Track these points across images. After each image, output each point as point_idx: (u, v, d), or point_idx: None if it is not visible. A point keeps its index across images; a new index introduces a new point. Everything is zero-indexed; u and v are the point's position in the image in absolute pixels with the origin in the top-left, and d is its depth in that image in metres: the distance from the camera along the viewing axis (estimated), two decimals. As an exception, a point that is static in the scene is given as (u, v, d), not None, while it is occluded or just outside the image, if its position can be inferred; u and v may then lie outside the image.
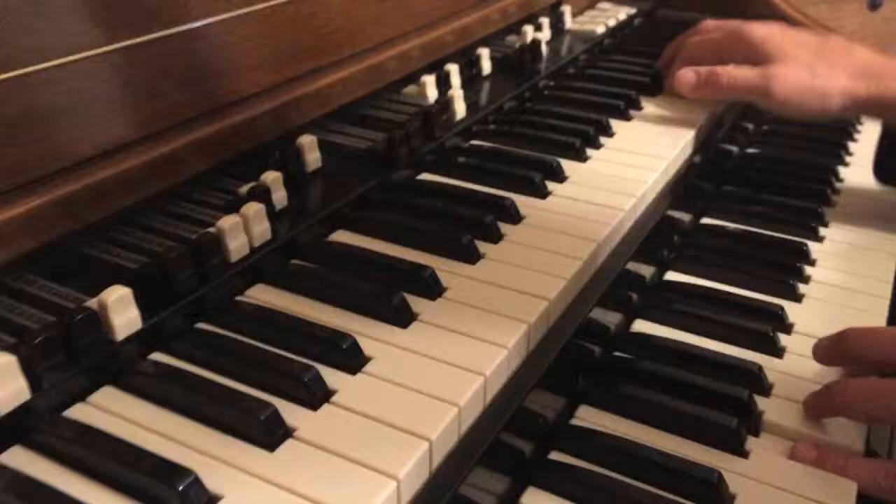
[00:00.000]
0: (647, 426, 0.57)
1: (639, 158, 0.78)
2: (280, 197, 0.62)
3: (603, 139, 0.82)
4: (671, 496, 0.51)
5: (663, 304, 0.70)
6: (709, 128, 0.90)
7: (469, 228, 0.63)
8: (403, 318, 0.53)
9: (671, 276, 0.75)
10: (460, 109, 0.81)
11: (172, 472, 0.39)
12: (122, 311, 0.47)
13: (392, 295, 0.53)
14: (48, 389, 0.43)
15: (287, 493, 0.40)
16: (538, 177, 0.72)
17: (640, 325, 0.68)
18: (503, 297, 0.56)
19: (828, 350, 0.60)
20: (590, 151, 0.79)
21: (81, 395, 0.45)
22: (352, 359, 0.48)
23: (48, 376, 0.44)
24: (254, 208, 0.56)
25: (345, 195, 0.65)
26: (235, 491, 0.40)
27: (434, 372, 0.49)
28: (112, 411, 0.44)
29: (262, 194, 0.59)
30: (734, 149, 1.01)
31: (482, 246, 0.62)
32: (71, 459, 0.41)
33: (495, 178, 0.72)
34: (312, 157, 0.68)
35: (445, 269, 0.59)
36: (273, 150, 0.66)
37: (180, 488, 0.38)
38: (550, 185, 0.72)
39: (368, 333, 0.51)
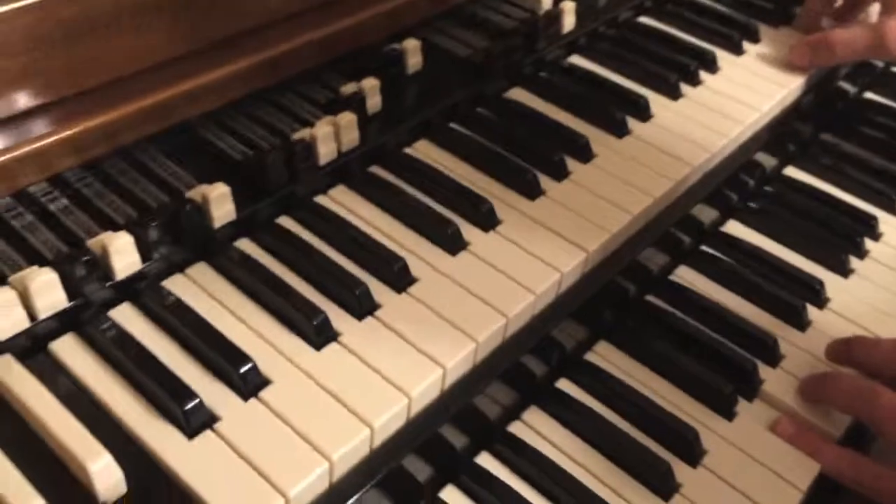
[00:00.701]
0: (655, 374, 0.64)
1: (745, 93, 0.80)
2: (375, 103, 0.68)
3: (704, 75, 0.83)
4: (652, 443, 0.59)
5: (710, 256, 0.74)
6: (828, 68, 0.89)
7: (539, 161, 0.69)
8: (455, 246, 0.60)
9: (731, 226, 0.79)
10: (569, 22, 0.83)
11: (238, 356, 0.50)
12: (221, 205, 0.56)
13: (448, 225, 0.61)
14: (156, 261, 0.54)
15: (320, 390, 0.50)
16: (619, 115, 0.75)
17: (682, 273, 0.73)
18: (564, 228, 0.63)
19: (836, 351, 0.65)
20: (686, 88, 0.81)
21: (180, 268, 0.56)
22: (399, 280, 0.57)
23: (157, 250, 0.54)
24: (347, 118, 0.64)
25: (436, 104, 0.71)
26: (282, 379, 0.50)
27: (466, 305, 0.57)
28: (200, 285, 0.55)
29: (358, 101, 0.66)
30: (851, 89, 0.99)
31: (547, 182, 0.68)
32: (163, 323, 0.52)
33: (581, 107, 0.76)
34: (414, 60, 0.73)
35: (507, 200, 0.65)
36: (379, 50, 0.72)
37: (241, 371, 0.49)
38: (633, 123, 0.76)
39: (420, 254, 0.60)
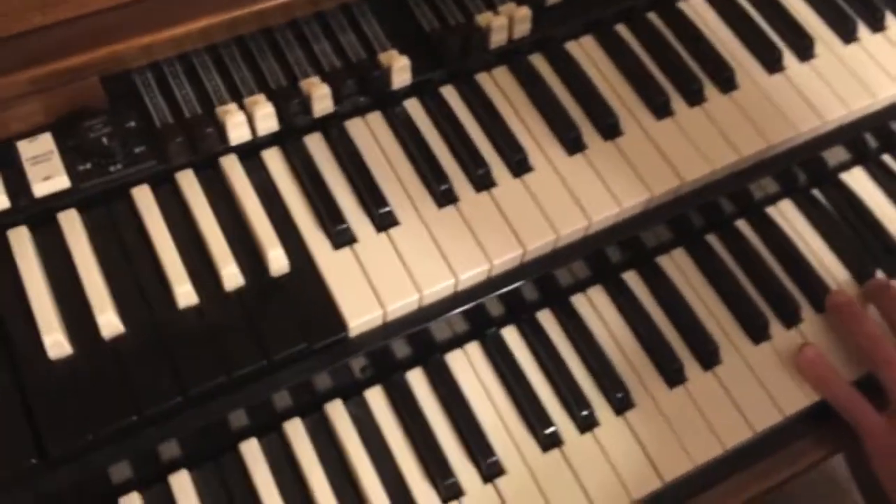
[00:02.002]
0: (711, 287, 0.77)
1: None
2: (556, -6, 0.79)
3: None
4: (680, 341, 0.74)
5: (815, 200, 0.82)
6: None
7: (680, 83, 0.78)
8: (574, 147, 0.74)
9: (850, 175, 0.85)
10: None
11: (380, 198, 0.69)
12: (401, 73, 0.72)
13: (571, 129, 0.74)
14: (344, 105, 0.72)
15: (431, 240, 0.68)
16: (777, 50, 0.80)
17: (783, 207, 0.82)
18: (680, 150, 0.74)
19: (872, 288, 0.75)
20: (864, 32, 0.84)
21: (361, 113, 0.74)
22: (518, 167, 0.72)
23: (347, 97, 0.72)
24: (522, 13, 0.75)
25: (610, 4, 0.80)
26: (407, 223, 0.69)
27: (562, 199, 0.71)
28: (372, 130, 0.73)
29: (539, -5, 0.77)
30: None
31: (678, 103, 0.77)
32: (337, 157, 0.71)
33: (747, 31, 0.82)
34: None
35: (636, 115, 0.76)
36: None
37: (380, 211, 0.68)
38: (789, 59, 0.81)
39: (544, 146, 0.74)
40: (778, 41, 0.81)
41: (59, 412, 0.59)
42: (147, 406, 0.60)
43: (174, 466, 0.65)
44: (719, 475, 0.71)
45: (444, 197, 0.70)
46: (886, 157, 0.86)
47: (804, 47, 0.81)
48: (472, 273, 0.68)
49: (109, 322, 0.61)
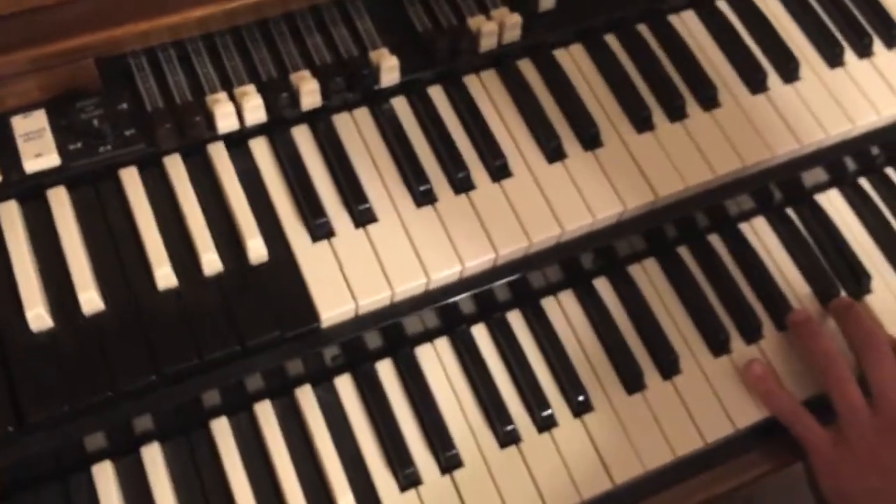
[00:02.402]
0: (678, 297, 0.80)
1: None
2: (549, 3, 0.80)
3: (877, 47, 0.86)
4: (643, 349, 0.77)
5: (789, 220, 0.84)
6: None
7: (662, 99, 0.80)
8: (554, 155, 0.76)
9: (825, 196, 0.87)
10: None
11: (360, 195, 0.71)
12: (390, 72, 0.74)
13: (552, 138, 0.75)
14: (332, 100, 0.74)
15: (406, 239, 0.71)
16: (761, 72, 0.82)
17: (756, 224, 0.84)
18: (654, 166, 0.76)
19: (836, 306, 0.77)
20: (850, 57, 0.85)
21: (348, 108, 0.76)
22: (498, 172, 0.74)
23: (333, 95, 0.74)
24: (513, 20, 0.77)
25: (600, 13, 0.82)
26: (386, 220, 0.71)
27: (538, 206, 0.73)
28: (357, 125, 0.75)
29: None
30: None
31: (659, 118, 0.79)
32: (323, 150, 0.74)
33: (733, 50, 0.83)
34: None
35: (619, 128, 0.78)
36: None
37: (359, 207, 0.70)
38: (773, 80, 0.82)
39: (524, 152, 0.76)
40: (764, 61, 0.83)
41: (38, 383, 0.62)
42: (122, 382, 0.63)
43: (146, 438, 0.68)
44: (668, 481, 0.73)
45: (424, 197, 0.72)
46: (863, 181, 0.88)
47: (789, 69, 0.83)
48: (444, 273, 0.70)
49: (91, 299, 0.64)
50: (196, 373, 0.65)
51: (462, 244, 0.71)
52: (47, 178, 0.68)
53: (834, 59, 0.84)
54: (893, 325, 0.80)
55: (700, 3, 0.85)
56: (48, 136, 0.68)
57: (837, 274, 0.82)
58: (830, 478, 0.73)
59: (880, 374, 0.73)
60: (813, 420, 0.74)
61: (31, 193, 0.68)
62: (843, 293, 0.81)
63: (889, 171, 0.89)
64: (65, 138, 0.68)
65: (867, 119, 0.82)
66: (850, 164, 0.87)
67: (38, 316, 0.63)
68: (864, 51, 0.85)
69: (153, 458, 0.67)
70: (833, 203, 0.87)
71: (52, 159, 0.67)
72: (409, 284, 0.69)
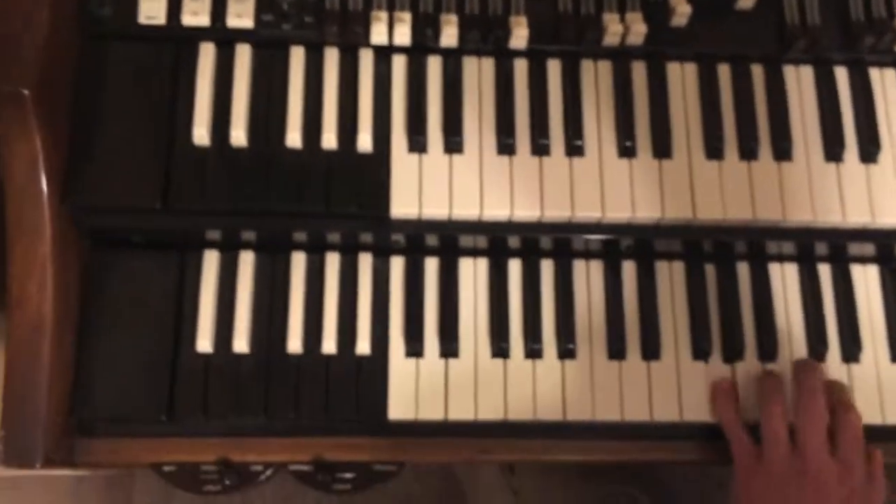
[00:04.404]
0: (687, 300, 0.93)
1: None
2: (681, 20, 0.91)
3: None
4: (636, 329, 0.92)
5: (815, 276, 0.94)
6: None
7: (741, 135, 0.90)
8: (625, 152, 0.89)
9: (862, 268, 0.95)
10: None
11: (456, 127, 0.88)
12: (518, 38, 0.89)
13: (629, 138, 0.89)
14: (466, 44, 0.90)
15: (477, 178, 0.88)
16: (840, 144, 0.91)
17: (787, 269, 0.95)
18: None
19: (796, 366, 0.89)
20: None
21: (478, 55, 0.92)
22: (572, 149, 0.89)
23: (469, 41, 0.90)
24: (638, 28, 0.89)
25: (725, 46, 0.92)
26: (469, 154, 0.88)
27: (591, 188, 0.88)
28: (480, 72, 0.91)
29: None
30: None
31: (731, 150, 0.90)
32: (446, 84, 0.91)
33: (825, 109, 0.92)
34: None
35: (691, 147, 0.90)
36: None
37: (453, 138, 0.88)
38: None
39: (602, 143, 0.90)
40: (850, 135, 0.91)
41: (184, 179, 0.86)
42: (239, 202, 0.86)
43: (247, 247, 0.91)
44: (608, 434, 0.90)
45: (505, 147, 0.89)
46: (903, 268, 0.96)
47: (870, 150, 0.90)
48: (496, 213, 0.87)
49: (238, 136, 0.86)
50: (291, 215, 0.87)
51: (519, 195, 0.87)
52: (240, 35, 0.89)
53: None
54: (867, 397, 0.91)
55: (820, 63, 0.93)
56: (251, 3, 0.88)
57: (839, 335, 0.93)
58: (744, 489, 0.88)
59: (806, 426, 0.85)
60: (747, 437, 0.88)
61: (224, 42, 0.89)
62: (828, 355, 0.92)
63: (937, 269, 0.96)
64: (261, 9, 0.88)
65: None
66: (899, 250, 0.95)
67: (201, 135, 0.86)
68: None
69: (246, 260, 0.90)
70: (867, 276, 0.95)
71: (247, 22, 0.88)
72: (466, 212, 0.87)
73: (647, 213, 0.88)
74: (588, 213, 0.88)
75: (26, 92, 0.76)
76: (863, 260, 0.96)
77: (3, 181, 0.79)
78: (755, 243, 0.93)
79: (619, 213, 0.88)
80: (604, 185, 0.88)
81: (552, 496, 1.26)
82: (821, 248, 0.94)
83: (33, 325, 0.79)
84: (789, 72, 0.93)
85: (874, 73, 0.94)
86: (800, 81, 0.93)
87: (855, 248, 0.95)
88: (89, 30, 0.87)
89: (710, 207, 0.88)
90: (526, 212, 0.87)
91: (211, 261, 0.90)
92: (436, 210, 0.87)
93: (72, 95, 0.85)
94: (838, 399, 0.88)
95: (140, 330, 0.87)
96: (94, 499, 1.30)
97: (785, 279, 0.95)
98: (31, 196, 0.78)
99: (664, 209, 0.88)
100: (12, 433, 0.79)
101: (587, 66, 0.92)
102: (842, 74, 0.93)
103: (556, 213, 0.88)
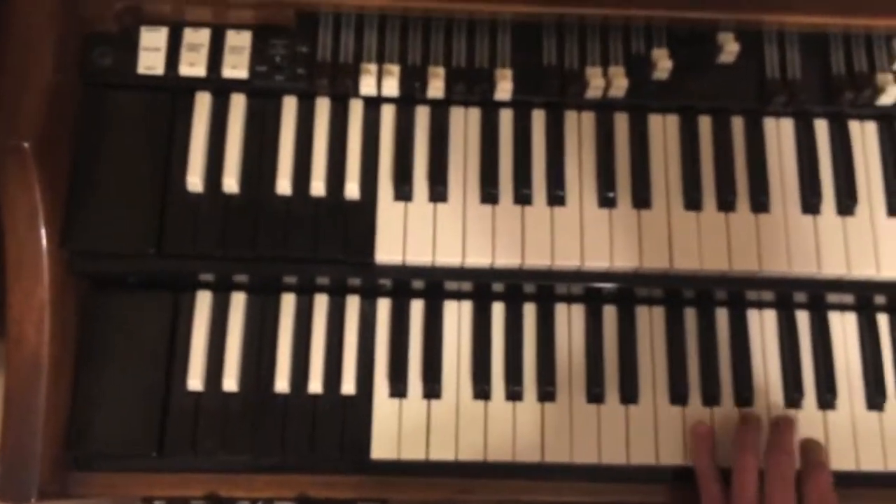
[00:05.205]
0: (666, 344, 0.95)
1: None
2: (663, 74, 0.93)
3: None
4: (613, 375, 0.94)
5: (793, 323, 0.96)
6: None
7: (720, 187, 0.93)
8: (605, 203, 0.92)
9: (840, 317, 0.97)
10: (890, 97, 0.94)
11: (441, 177, 0.91)
12: (503, 90, 0.92)
13: (610, 189, 0.92)
14: (452, 95, 0.93)
15: (460, 226, 0.90)
16: (817, 197, 0.93)
17: (765, 315, 0.97)
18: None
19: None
20: None
21: (465, 105, 0.94)
22: (554, 199, 0.92)
23: (456, 93, 0.93)
24: (620, 82, 0.91)
25: (706, 99, 0.94)
26: (452, 203, 0.91)
27: (572, 236, 0.91)
28: (465, 122, 0.94)
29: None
30: None
31: (709, 201, 0.93)
32: (433, 134, 0.93)
33: (803, 163, 0.94)
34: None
35: (670, 199, 0.93)
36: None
37: (437, 187, 0.91)
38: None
39: (583, 192, 0.92)
40: (828, 188, 0.93)
41: (178, 226, 0.89)
42: (231, 250, 0.89)
43: (238, 288, 0.94)
44: (585, 476, 0.93)
45: (489, 196, 0.91)
46: (882, 317, 0.97)
47: (847, 204, 0.92)
48: (478, 260, 0.90)
49: (230, 184, 0.90)
50: (280, 260, 0.90)
51: (501, 243, 0.90)
52: (234, 85, 0.92)
53: (894, 209, 0.92)
54: (842, 444, 0.93)
55: (800, 116, 0.95)
56: (246, 55, 0.92)
57: (815, 382, 0.95)
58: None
59: (773, 480, 0.86)
60: (718, 486, 0.89)
61: (219, 91, 0.93)
62: (803, 401, 0.94)
63: (912, 318, 0.97)
64: (256, 60, 0.92)
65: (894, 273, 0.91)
66: (879, 298, 0.97)
67: (194, 183, 0.89)
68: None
69: (238, 301, 0.94)
70: (845, 325, 0.97)
71: (242, 73, 0.91)
72: (448, 259, 0.90)
73: (625, 262, 0.90)
74: (567, 261, 0.90)
75: (26, 145, 0.80)
76: (841, 308, 0.98)
77: (3, 227, 0.83)
78: (734, 291, 0.95)
79: (597, 262, 0.90)
80: (584, 234, 0.91)
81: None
82: (799, 297, 0.96)
83: (30, 366, 0.83)
84: (769, 124, 0.95)
85: (854, 127, 0.96)
86: (780, 134, 0.95)
87: (833, 297, 0.96)
88: (90, 79, 0.91)
89: (687, 258, 0.91)
90: (507, 260, 0.90)
91: (203, 301, 0.93)
92: (419, 257, 0.90)
93: (72, 143, 0.89)
94: (811, 458, 0.90)
95: (134, 368, 0.91)
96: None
97: (763, 326, 0.97)
98: (31, 243, 0.82)
99: (642, 259, 0.90)
100: (9, 469, 0.82)
101: (571, 117, 0.95)
102: (822, 127, 0.95)
103: (537, 261, 0.90)
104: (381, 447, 0.91)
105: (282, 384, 0.91)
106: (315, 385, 0.92)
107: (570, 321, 0.96)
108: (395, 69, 0.92)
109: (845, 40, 0.94)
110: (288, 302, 0.94)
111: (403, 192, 0.91)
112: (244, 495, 0.91)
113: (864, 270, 0.91)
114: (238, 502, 0.91)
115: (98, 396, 0.89)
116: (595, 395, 0.93)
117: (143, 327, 0.92)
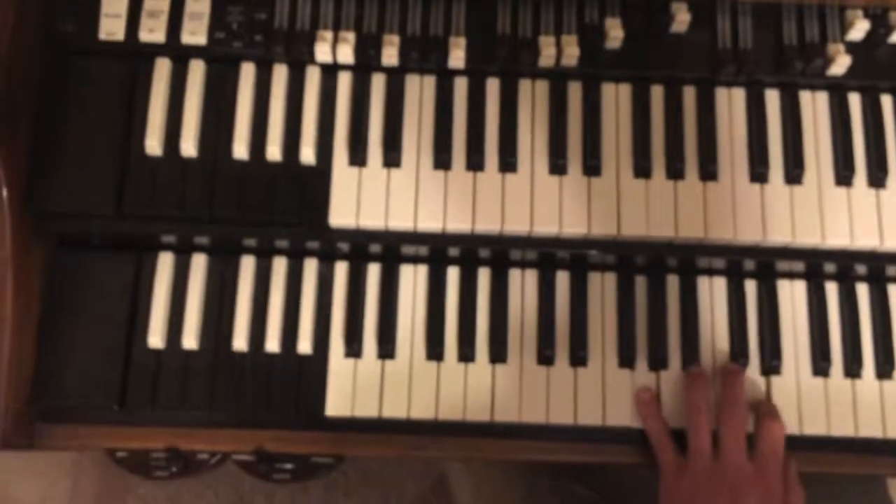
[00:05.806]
0: (617, 309, 0.97)
1: None
2: (615, 44, 0.94)
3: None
4: (564, 339, 0.97)
5: (742, 290, 0.98)
6: None
7: (669, 156, 0.94)
8: (556, 170, 0.94)
9: (789, 284, 0.99)
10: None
11: (396, 143, 0.93)
12: (456, 58, 0.93)
13: (561, 157, 0.93)
14: (407, 63, 0.95)
15: (413, 191, 0.92)
16: (764, 165, 0.94)
17: (715, 282, 0.99)
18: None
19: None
20: None
21: (420, 73, 0.96)
22: (506, 165, 0.93)
23: (410, 61, 0.94)
24: (572, 51, 0.93)
25: (659, 68, 0.96)
26: (406, 168, 0.93)
27: (522, 202, 0.93)
28: (421, 90, 0.96)
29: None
30: None
31: (658, 170, 0.94)
32: (388, 100, 0.95)
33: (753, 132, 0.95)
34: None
35: (620, 166, 0.94)
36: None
37: (391, 153, 0.93)
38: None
39: (534, 160, 0.94)
40: (777, 157, 0.94)
41: (137, 188, 0.92)
42: (188, 211, 0.92)
43: (199, 250, 0.97)
44: (533, 434, 0.95)
45: (441, 162, 0.93)
46: (830, 285, 0.99)
47: (794, 173, 0.94)
48: (429, 225, 0.92)
49: (187, 147, 0.92)
50: (237, 222, 0.93)
51: (452, 209, 0.92)
52: (193, 51, 0.94)
53: (842, 178, 0.94)
54: (786, 408, 0.95)
55: (752, 86, 0.96)
56: (205, 21, 0.93)
57: (760, 348, 0.97)
58: (668, 494, 0.93)
59: (727, 436, 0.90)
60: (671, 446, 0.92)
61: (179, 58, 0.95)
62: (754, 364, 0.96)
63: (860, 286, 0.99)
64: (214, 27, 0.94)
65: (839, 241, 0.93)
66: (831, 267, 0.98)
67: (152, 146, 0.92)
68: (876, 182, 0.94)
69: (198, 263, 0.96)
70: (794, 291, 0.98)
71: (201, 39, 0.93)
72: (400, 223, 0.92)
73: (573, 228, 0.92)
74: (517, 227, 0.92)
75: (-14, 107, 0.82)
76: (791, 275, 0.99)
77: (-33, 188, 0.86)
78: (685, 258, 0.97)
79: (546, 227, 0.92)
80: (534, 200, 0.93)
81: (513, 483, 1.32)
82: (749, 265, 0.98)
83: (-7, 322, 0.86)
84: (721, 94, 0.96)
85: (805, 96, 0.97)
86: (731, 103, 0.96)
87: (783, 265, 0.98)
88: (53, 45, 0.93)
89: (634, 224, 0.92)
90: (458, 225, 0.92)
91: (165, 262, 0.96)
92: (372, 221, 0.92)
93: (35, 107, 0.91)
94: (763, 409, 0.93)
95: (98, 325, 0.94)
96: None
97: (712, 292, 0.99)
98: (-8, 203, 0.85)
99: (590, 225, 0.92)
100: (-28, 419, 0.86)
101: (525, 85, 0.96)
102: (773, 97, 0.96)
103: (487, 226, 0.92)
104: (336, 405, 0.94)
105: (240, 343, 0.94)
106: (272, 344, 0.94)
107: (523, 286, 0.98)
108: (350, 36, 0.93)
109: (798, 10, 0.95)
110: (247, 264, 0.97)
111: (358, 157, 0.93)
112: (203, 448, 0.94)
113: (809, 238, 0.93)
114: (198, 455, 0.95)
115: (62, 351, 0.93)
116: (546, 357, 0.96)
117: (106, 286, 0.95)
